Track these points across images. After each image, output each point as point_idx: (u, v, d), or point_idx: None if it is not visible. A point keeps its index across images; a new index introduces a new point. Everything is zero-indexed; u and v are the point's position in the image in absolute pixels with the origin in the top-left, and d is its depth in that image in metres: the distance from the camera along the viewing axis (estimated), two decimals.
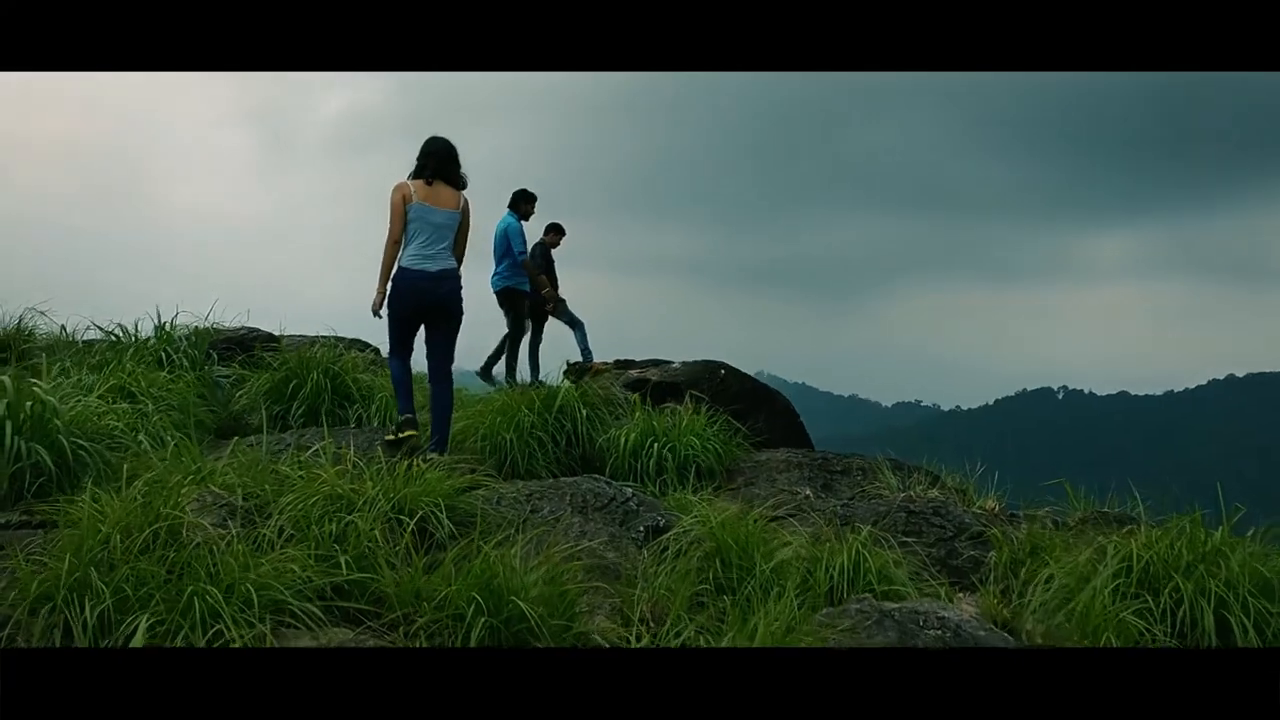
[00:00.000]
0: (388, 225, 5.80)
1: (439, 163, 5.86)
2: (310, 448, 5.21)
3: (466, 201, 5.95)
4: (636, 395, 8.04)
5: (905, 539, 5.01)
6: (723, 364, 10.25)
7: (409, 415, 6.03)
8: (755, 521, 4.70)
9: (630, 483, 5.82)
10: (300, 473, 4.47)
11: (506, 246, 9.68)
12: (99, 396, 5.56)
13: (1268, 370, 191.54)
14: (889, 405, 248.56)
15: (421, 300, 5.81)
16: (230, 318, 8.97)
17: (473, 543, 3.87)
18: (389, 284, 5.84)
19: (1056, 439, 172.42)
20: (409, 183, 5.85)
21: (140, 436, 4.98)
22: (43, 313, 8.68)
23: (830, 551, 4.23)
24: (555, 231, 10.51)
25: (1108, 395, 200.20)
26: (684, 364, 10.37)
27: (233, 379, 7.47)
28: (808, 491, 6.32)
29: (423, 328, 6.01)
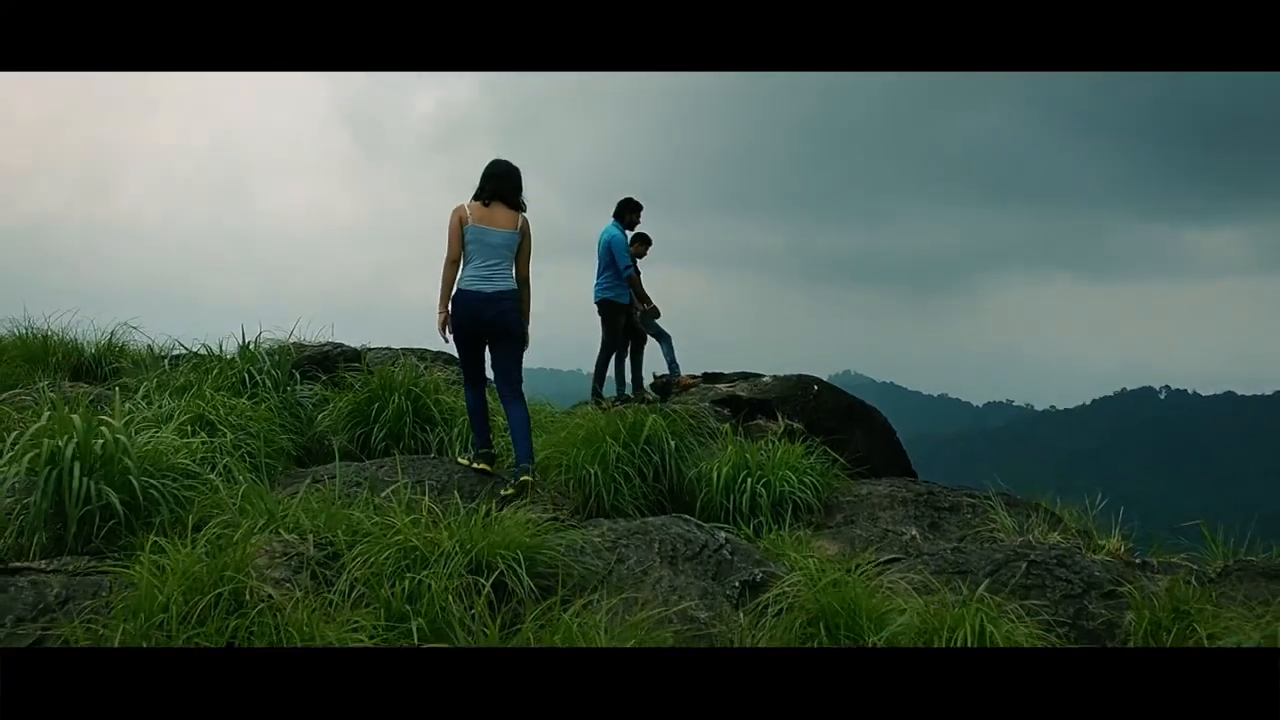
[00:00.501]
0: (446, 247, 5.80)
1: (497, 184, 5.83)
2: (389, 484, 4.99)
3: (526, 221, 5.88)
4: (728, 424, 7.61)
5: (1027, 595, 4.53)
6: (816, 379, 9.80)
7: (485, 450, 5.88)
8: (859, 572, 4.30)
9: (722, 525, 5.44)
10: (374, 519, 4.22)
11: (610, 258, 9.39)
12: (177, 427, 5.41)
13: None
14: (980, 405, 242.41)
15: (476, 321, 5.75)
16: (317, 330, 8.92)
17: (554, 606, 3.56)
18: (449, 305, 5.82)
19: (1159, 441, 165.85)
20: (466, 205, 5.82)
21: (214, 474, 4.80)
22: (135, 328, 8.79)
23: (949, 621, 3.78)
24: (642, 242, 10.18)
25: (1212, 395, 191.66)
26: (775, 378, 9.94)
27: (315, 400, 7.33)
28: (913, 532, 5.86)
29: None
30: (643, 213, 9.75)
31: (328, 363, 8.62)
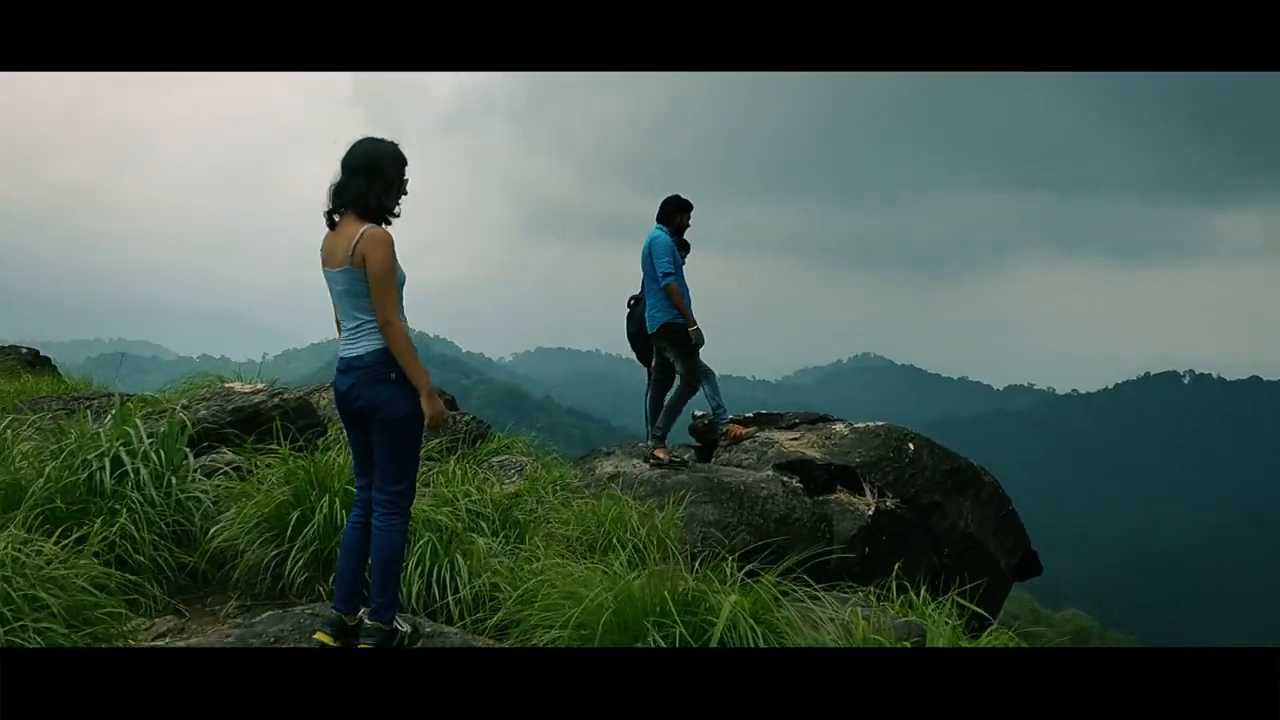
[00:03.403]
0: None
1: (340, 188, 3.63)
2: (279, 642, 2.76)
3: (364, 234, 3.50)
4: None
5: None
6: (909, 433, 7.46)
7: (340, 608, 3.75)
8: None
9: None
10: None
11: (655, 271, 7.09)
12: None
13: None
14: (1000, 388, 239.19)
15: (339, 402, 3.75)
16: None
17: None
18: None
19: (1183, 427, 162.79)
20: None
21: None
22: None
23: None
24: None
25: (1238, 380, 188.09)
26: (854, 430, 7.61)
27: (214, 498, 5.06)
28: None
29: None
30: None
31: (259, 419, 6.36)
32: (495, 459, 7.42)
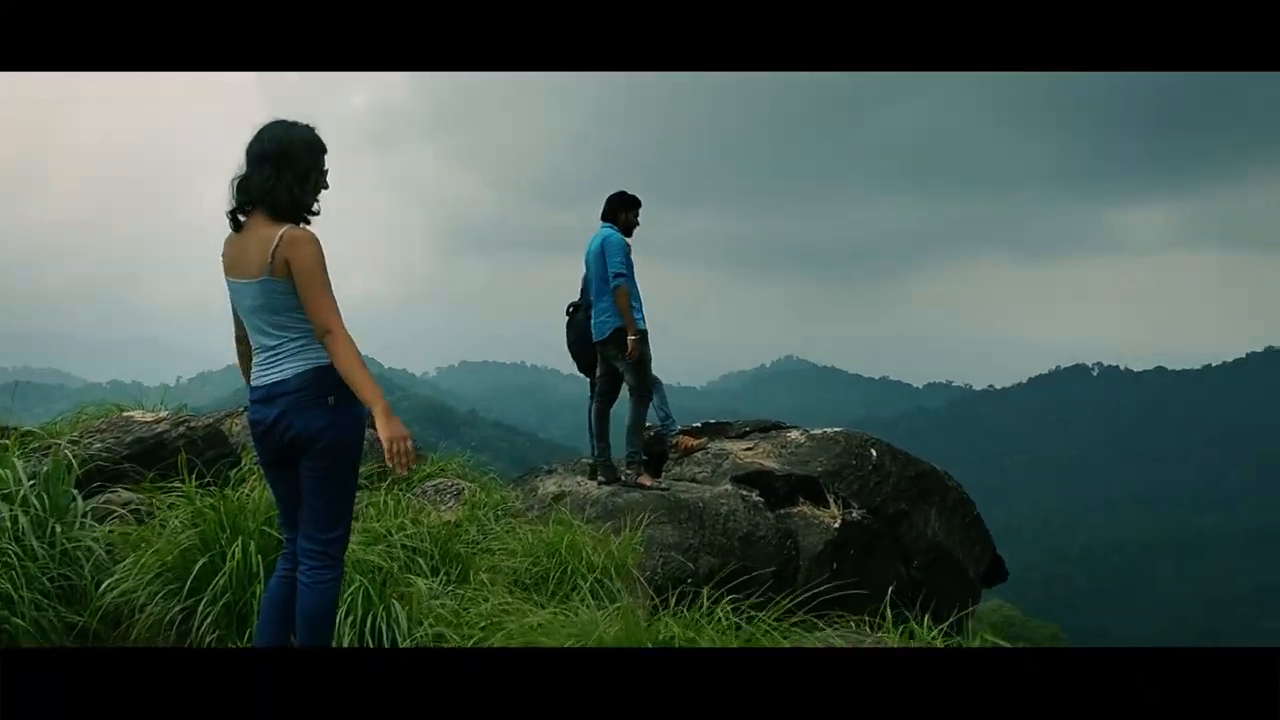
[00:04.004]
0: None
1: (244, 181, 3.02)
2: None
3: (284, 237, 2.91)
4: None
5: None
6: (871, 439, 7.09)
7: None
8: None
9: None
10: None
11: (604, 271, 6.54)
12: None
13: None
14: (920, 386, 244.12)
15: (259, 441, 3.12)
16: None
17: None
18: None
19: (1092, 417, 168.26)
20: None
21: None
22: None
23: None
24: None
25: (1144, 370, 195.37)
26: (811, 437, 7.21)
27: (107, 546, 4.40)
28: None
29: None
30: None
31: (162, 451, 5.68)
32: (429, 483, 6.83)
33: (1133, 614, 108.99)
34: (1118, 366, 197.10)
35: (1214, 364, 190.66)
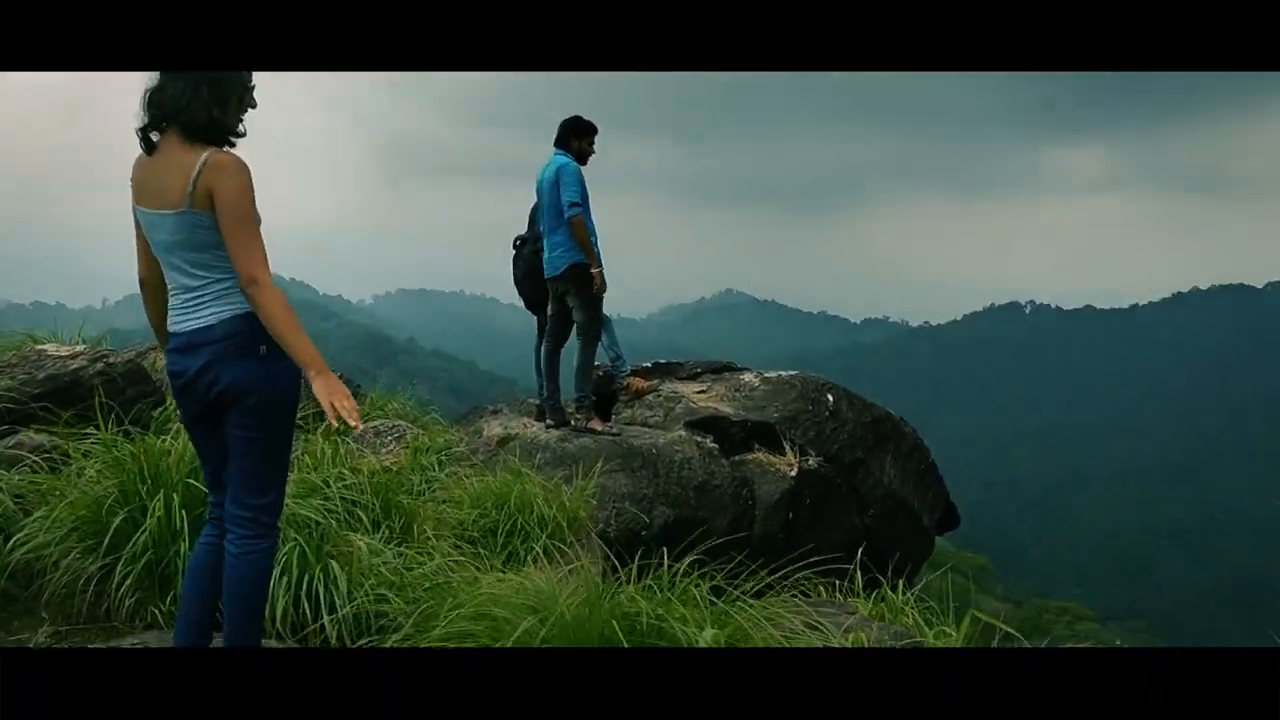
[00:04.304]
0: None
1: (151, 95, 2.62)
2: None
3: (208, 162, 2.56)
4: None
5: None
6: (827, 383, 6.93)
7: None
8: None
9: None
10: None
11: (559, 202, 6.15)
12: None
13: (1230, 282, 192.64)
14: (857, 322, 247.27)
15: (184, 396, 2.75)
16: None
17: None
18: None
19: (1023, 355, 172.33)
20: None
21: None
22: None
23: None
24: None
25: (1074, 310, 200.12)
26: (765, 380, 7.02)
27: (16, 495, 4.03)
28: None
29: None
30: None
31: (78, 390, 5.28)
32: (368, 425, 6.51)
33: (1056, 543, 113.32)
34: (1050, 305, 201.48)
35: (1140, 304, 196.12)
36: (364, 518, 4.29)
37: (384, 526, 4.34)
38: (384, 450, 6.13)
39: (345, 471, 4.58)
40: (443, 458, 5.90)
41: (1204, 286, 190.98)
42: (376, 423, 6.61)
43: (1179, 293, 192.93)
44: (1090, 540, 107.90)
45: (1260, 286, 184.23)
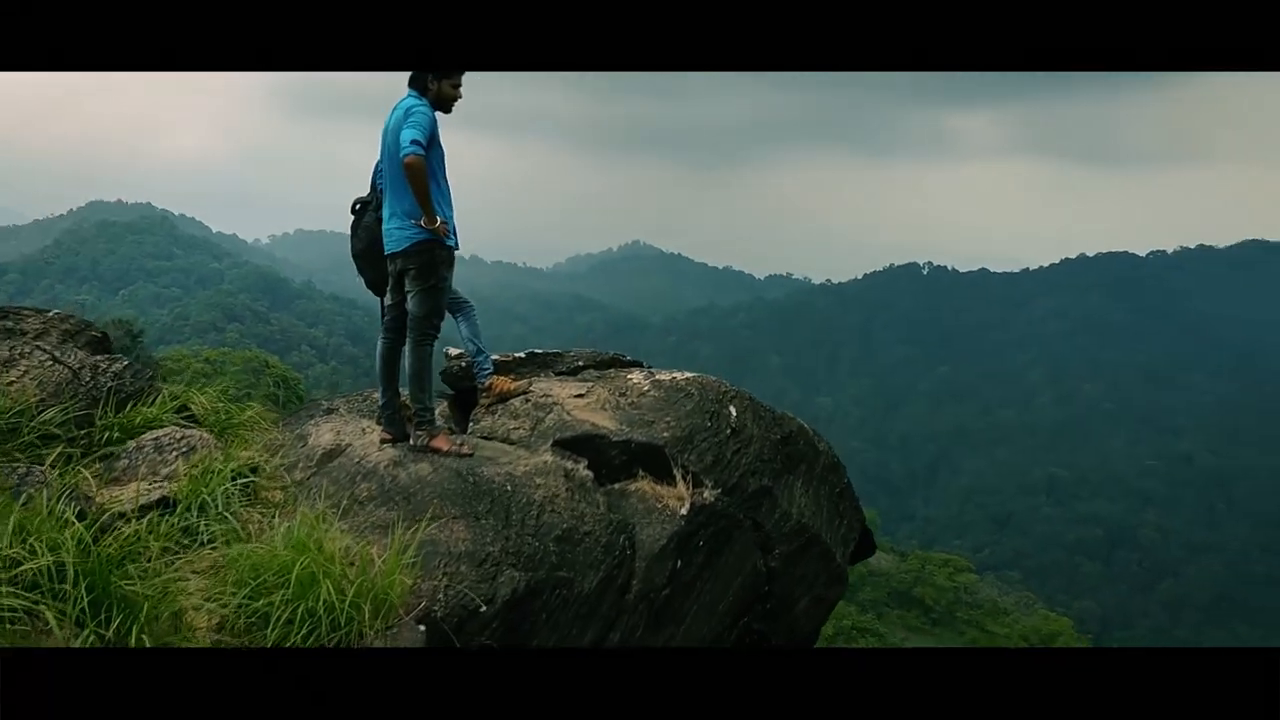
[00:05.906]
0: None
1: None
2: None
3: None
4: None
5: None
6: (731, 391, 5.72)
7: None
8: None
9: None
10: None
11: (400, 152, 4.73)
12: None
13: (1117, 250, 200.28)
14: (762, 278, 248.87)
15: None
16: None
17: None
18: None
19: (919, 314, 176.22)
20: None
21: None
22: None
23: None
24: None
25: (969, 271, 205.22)
26: (656, 383, 5.79)
27: None
28: None
29: None
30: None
31: None
32: (149, 436, 5.07)
33: (941, 497, 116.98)
34: (946, 266, 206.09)
35: (1031, 268, 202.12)
36: (51, 618, 2.92)
37: (89, 629, 2.97)
38: (159, 474, 4.72)
39: (39, 542, 3.14)
40: (235, 486, 4.52)
41: (1090, 254, 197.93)
42: (162, 431, 5.16)
43: (1066, 258, 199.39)
44: (973, 496, 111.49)
45: (1143, 255, 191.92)
